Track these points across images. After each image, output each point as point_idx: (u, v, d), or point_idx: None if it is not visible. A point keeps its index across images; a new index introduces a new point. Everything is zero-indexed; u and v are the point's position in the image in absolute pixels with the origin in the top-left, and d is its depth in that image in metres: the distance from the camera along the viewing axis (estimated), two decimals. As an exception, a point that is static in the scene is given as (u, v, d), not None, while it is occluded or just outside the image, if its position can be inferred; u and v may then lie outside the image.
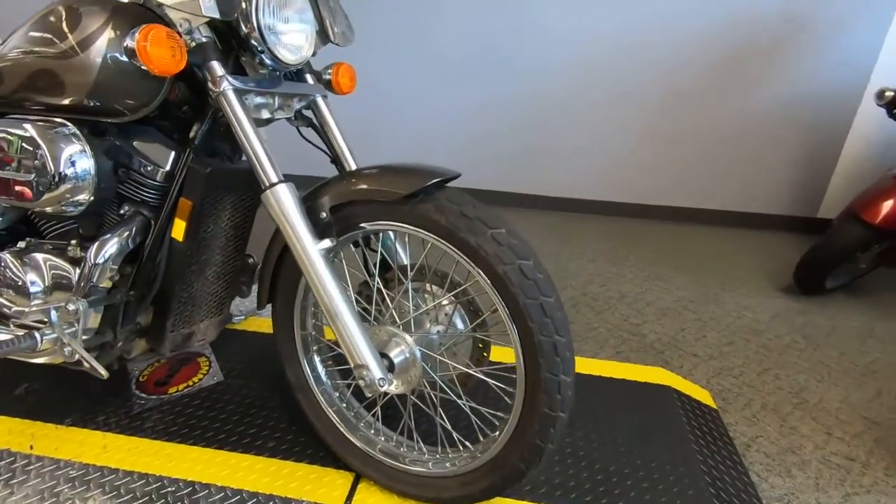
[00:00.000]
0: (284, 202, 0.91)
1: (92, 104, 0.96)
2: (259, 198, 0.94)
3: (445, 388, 1.02)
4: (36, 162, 0.96)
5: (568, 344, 0.85)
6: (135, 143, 1.04)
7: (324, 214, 0.95)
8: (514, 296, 0.83)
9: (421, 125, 3.07)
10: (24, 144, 0.96)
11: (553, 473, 1.18)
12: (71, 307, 0.96)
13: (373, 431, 1.14)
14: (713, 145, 2.90)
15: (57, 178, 0.97)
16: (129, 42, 0.85)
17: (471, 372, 1.01)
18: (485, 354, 1.04)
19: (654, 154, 2.95)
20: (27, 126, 0.95)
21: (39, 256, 1.09)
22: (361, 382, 0.90)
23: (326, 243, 0.92)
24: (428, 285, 1.03)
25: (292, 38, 0.99)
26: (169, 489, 1.12)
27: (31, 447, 1.21)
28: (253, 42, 0.93)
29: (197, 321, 1.20)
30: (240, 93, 0.93)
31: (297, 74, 1.13)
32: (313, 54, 1.09)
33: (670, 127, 2.89)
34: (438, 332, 1.02)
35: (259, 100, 1.02)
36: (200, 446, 1.23)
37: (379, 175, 0.91)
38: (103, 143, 1.02)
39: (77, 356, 0.99)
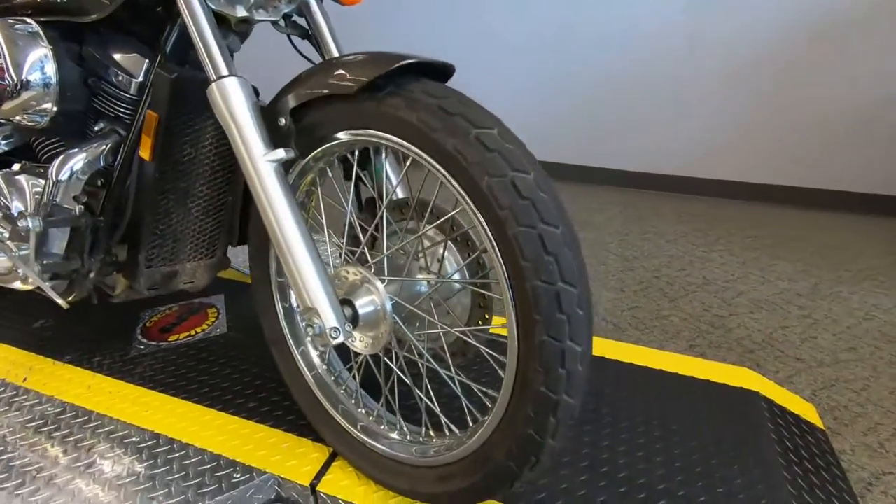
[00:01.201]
0: (232, 98, 0.73)
1: (55, 1, 0.85)
2: None
3: (420, 352, 0.79)
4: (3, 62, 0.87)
5: (579, 297, 0.59)
6: (106, 51, 0.93)
7: (283, 120, 0.76)
8: (501, 221, 0.58)
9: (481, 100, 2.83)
10: (-12, 42, 0.88)
11: (579, 490, 0.91)
12: (21, 224, 0.87)
13: (353, 402, 0.94)
14: (822, 118, 2.34)
15: (18, 84, 0.88)
16: None
17: (456, 334, 0.77)
18: (487, 316, 0.80)
19: (750, 126, 2.45)
20: None
21: (23, 178, 1.02)
22: (309, 330, 0.71)
23: (279, 153, 0.73)
24: (417, 221, 0.81)
25: None
26: (132, 438, 1.01)
27: (25, 380, 1.17)
28: None
29: (181, 260, 1.08)
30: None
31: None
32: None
33: (771, 96, 2.37)
34: (423, 280, 0.79)
35: (231, -10, 0.86)
36: (180, 398, 1.12)
37: (345, 64, 0.71)
38: (71, 48, 0.92)
39: (30, 280, 0.90)
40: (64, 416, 1.07)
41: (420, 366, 0.83)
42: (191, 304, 1.49)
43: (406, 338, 0.80)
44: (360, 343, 0.79)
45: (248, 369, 1.21)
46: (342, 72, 0.69)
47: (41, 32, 0.89)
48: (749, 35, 2.34)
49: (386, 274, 0.78)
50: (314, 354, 0.97)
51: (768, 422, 1.08)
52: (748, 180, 2.55)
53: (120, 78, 0.93)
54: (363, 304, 0.75)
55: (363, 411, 0.93)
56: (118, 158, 0.95)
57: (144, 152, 0.92)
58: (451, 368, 0.79)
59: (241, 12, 0.88)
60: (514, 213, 0.57)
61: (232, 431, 1.02)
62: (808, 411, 1.18)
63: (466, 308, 0.81)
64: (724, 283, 1.78)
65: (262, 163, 0.72)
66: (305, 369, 0.96)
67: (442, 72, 0.73)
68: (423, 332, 0.80)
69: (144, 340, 1.32)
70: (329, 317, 0.70)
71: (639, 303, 1.65)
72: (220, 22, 0.91)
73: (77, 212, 0.96)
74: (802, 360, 1.38)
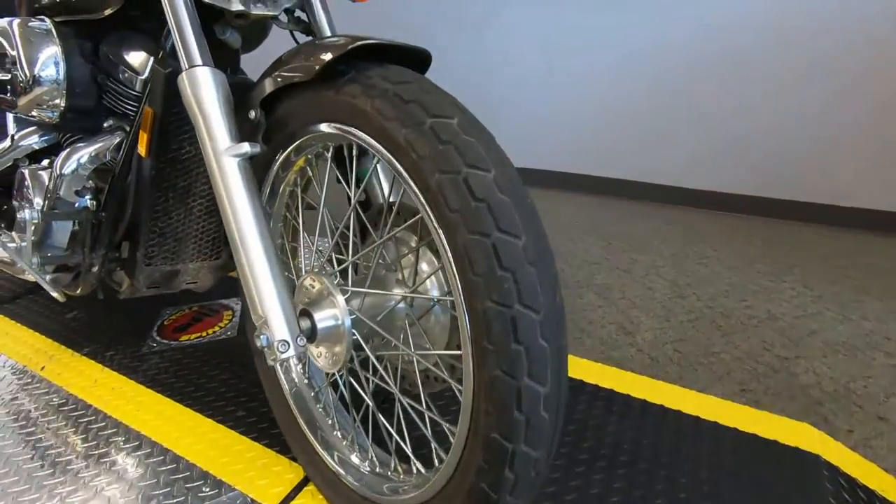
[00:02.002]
0: (201, 88, 0.69)
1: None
2: None
3: (383, 375, 0.70)
4: (12, 61, 0.90)
5: (544, 325, 0.47)
6: (115, 48, 0.94)
7: (253, 113, 0.71)
8: (451, 226, 0.49)
9: (535, 96, 2.70)
10: (3, 41, 0.91)
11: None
12: (20, 216, 0.88)
13: (329, 422, 0.87)
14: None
15: (31, 80, 0.90)
16: None
17: (416, 357, 0.67)
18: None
19: (858, 140, 2.13)
20: (3, 23, 0.90)
21: (43, 173, 1.06)
22: (258, 342, 0.64)
23: (243, 148, 0.68)
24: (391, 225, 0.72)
25: None
26: (119, 439, 0.99)
27: (43, 368, 1.21)
28: None
29: (184, 260, 1.07)
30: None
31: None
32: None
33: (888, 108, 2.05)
34: (388, 294, 0.70)
35: (226, -16, 0.83)
36: (174, 400, 1.10)
37: (310, 49, 0.64)
38: (83, 45, 0.93)
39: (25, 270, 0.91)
40: (65, 409, 1.08)
41: (391, 390, 0.74)
42: (210, 304, 1.50)
43: (372, 358, 0.71)
44: (321, 360, 0.72)
45: (245, 376, 1.17)
46: (304, 57, 0.63)
47: (53, 30, 0.91)
48: (845, 39, 2.06)
49: (350, 285, 0.70)
50: (295, 369, 0.90)
51: (830, 495, 0.87)
52: (841, 203, 2.23)
53: (126, 75, 0.93)
54: (322, 318, 0.68)
55: (338, 434, 0.85)
56: (120, 155, 0.96)
57: (141, 148, 0.91)
58: (422, 397, 0.69)
59: (236, 6, 0.84)
60: (465, 217, 0.48)
61: (212, 441, 0.98)
62: (888, 486, 0.95)
63: (446, 329, 0.71)
64: (792, 319, 1.53)
65: (224, 157, 0.68)
66: (285, 383, 0.89)
67: (419, 58, 0.65)
68: (385, 354, 0.71)
69: (158, 338, 1.33)
70: (278, 328, 0.63)
71: (685, 335, 1.46)
72: (217, 16, 0.89)
73: (79, 206, 0.97)
74: (886, 420, 1.14)
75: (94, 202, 0.98)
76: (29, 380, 1.18)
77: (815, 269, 1.86)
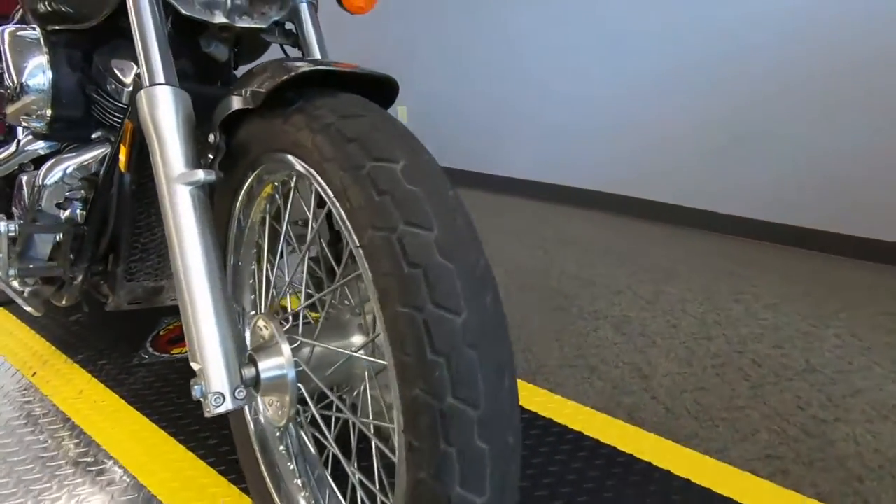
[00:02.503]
0: (159, 108, 0.64)
1: (45, 7, 0.85)
2: None
3: (327, 440, 0.62)
4: (1, 70, 0.89)
5: (484, 422, 0.39)
6: (103, 59, 0.91)
7: (212, 136, 0.65)
8: (383, 293, 0.41)
9: (569, 110, 2.58)
10: (-4, 49, 0.90)
11: None
12: (-1, 225, 0.87)
13: (291, 468, 0.80)
14: None
15: (18, 88, 0.89)
16: None
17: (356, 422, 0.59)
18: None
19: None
20: None
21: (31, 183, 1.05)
22: (192, 392, 0.58)
23: (197, 175, 0.62)
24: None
25: None
26: (88, 459, 0.96)
27: (34, 374, 1.21)
28: None
29: (168, 276, 1.04)
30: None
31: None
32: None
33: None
34: (336, 347, 0.62)
35: (209, -5, 0.79)
36: (151, 419, 1.07)
37: (265, 70, 0.58)
38: (72, 55, 0.91)
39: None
40: (44, 420, 1.07)
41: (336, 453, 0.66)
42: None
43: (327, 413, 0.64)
44: (270, 410, 0.65)
45: (227, 398, 1.13)
46: (261, 79, 0.56)
47: (42, 39, 0.89)
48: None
49: (300, 332, 0.63)
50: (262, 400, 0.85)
51: None
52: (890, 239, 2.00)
53: (113, 86, 0.90)
54: (266, 368, 0.61)
55: (298, 482, 0.78)
56: (104, 167, 0.93)
57: (121, 163, 0.88)
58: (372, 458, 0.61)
59: (219, 18, 0.80)
60: (397, 284, 0.40)
61: (178, 470, 0.94)
62: None
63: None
64: (834, 374, 1.36)
65: (175, 184, 0.62)
66: (251, 422, 0.84)
67: (386, 87, 0.57)
68: (330, 414, 0.64)
69: (150, 349, 1.31)
70: (215, 379, 0.57)
71: (708, 383, 1.32)
72: (202, 29, 0.85)
73: (62, 218, 0.94)
74: (942, 509, 0.97)
75: (77, 214, 0.96)
76: (19, 384, 1.18)
77: (865, 315, 1.67)
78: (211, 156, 0.66)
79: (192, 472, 0.94)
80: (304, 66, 0.52)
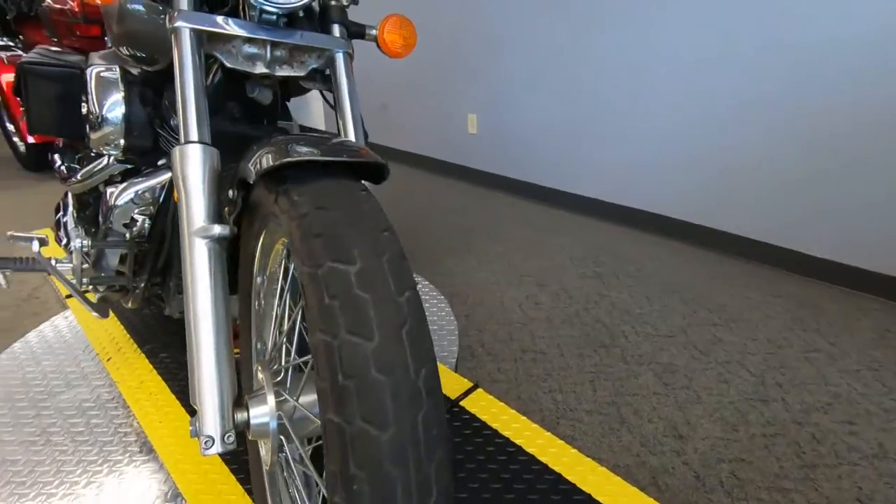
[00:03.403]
0: (189, 165, 0.71)
1: (125, 51, 0.96)
2: None
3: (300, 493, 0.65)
4: (88, 102, 1.02)
5: None
6: (169, 96, 1.01)
7: (231, 192, 0.71)
8: (321, 397, 0.42)
9: (636, 140, 2.43)
10: (85, 84, 1.03)
11: None
12: (74, 243, 1.00)
13: (291, 496, 0.85)
14: None
15: (99, 119, 1.01)
16: None
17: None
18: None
19: None
20: (85, 67, 1.02)
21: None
22: (190, 429, 0.64)
23: (213, 230, 0.68)
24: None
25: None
26: (134, 449, 1.09)
27: (109, 359, 1.38)
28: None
29: None
30: (197, 32, 0.77)
31: (321, 23, 0.91)
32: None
33: None
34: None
35: (250, 49, 0.85)
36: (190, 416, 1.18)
37: (273, 146, 0.61)
38: (142, 92, 1.02)
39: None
40: (109, 405, 1.22)
41: None
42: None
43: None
44: (262, 450, 0.70)
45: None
46: (263, 155, 0.60)
47: (119, 78, 1.01)
48: None
49: (288, 385, 0.67)
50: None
51: None
52: None
53: (174, 122, 1.00)
54: (255, 415, 0.66)
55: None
56: (164, 192, 1.04)
57: (175, 193, 0.98)
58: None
59: (260, 69, 0.86)
60: (331, 393, 0.41)
61: (210, 480, 1.03)
62: None
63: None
64: (915, 465, 1.19)
65: (194, 237, 0.68)
66: (263, 455, 0.90)
67: (375, 170, 0.59)
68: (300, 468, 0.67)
69: (205, 347, 1.44)
70: (208, 423, 0.63)
71: (752, 455, 1.20)
72: (246, 77, 0.92)
73: (128, 235, 1.07)
74: None
75: (141, 232, 1.08)
76: (93, 368, 1.35)
77: (971, 395, 1.43)
78: (229, 210, 0.71)
79: (215, 476, 1.03)
80: (302, 152, 0.55)
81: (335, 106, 0.89)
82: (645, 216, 2.46)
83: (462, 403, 1.24)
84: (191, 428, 0.64)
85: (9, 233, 1.02)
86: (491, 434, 1.15)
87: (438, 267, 2.09)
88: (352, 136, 0.86)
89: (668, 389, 1.42)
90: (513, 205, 2.83)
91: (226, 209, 0.72)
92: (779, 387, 1.44)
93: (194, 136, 0.73)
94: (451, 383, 1.31)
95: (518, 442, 1.13)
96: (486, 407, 1.25)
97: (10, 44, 3.59)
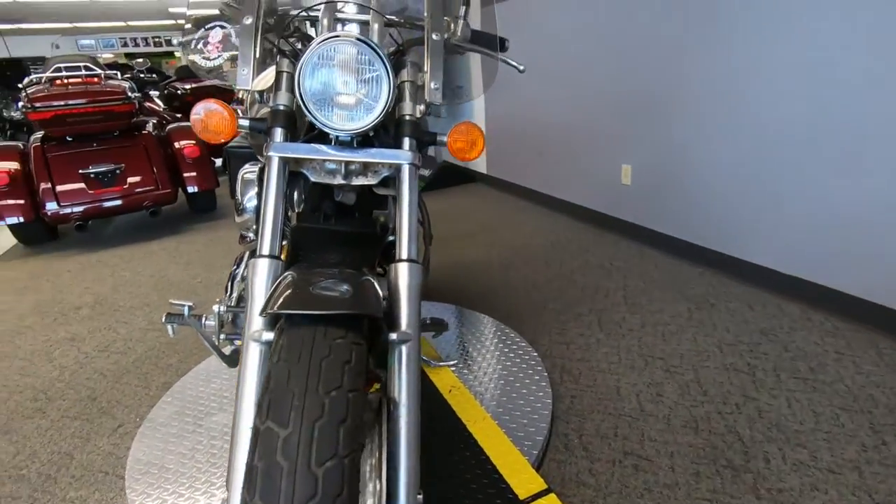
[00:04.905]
0: (258, 274, 0.84)
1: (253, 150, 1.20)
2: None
3: None
4: (235, 194, 1.29)
5: None
6: (290, 188, 1.21)
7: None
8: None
9: (832, 198, 1.94)
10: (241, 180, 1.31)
11: None
12: (214, 308, 1.26)
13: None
14: None
15: (241, 208, 1.28)
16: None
17: None
18: None
19: None
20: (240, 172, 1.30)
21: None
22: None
23: (264, 336, 0.80)
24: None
25: (347, 101, 0.88)
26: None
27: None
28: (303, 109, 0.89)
29: None
30: (285, 159, 0.92)
31: (395, 137, 0.99)
32: (413, 114, 0.95)
33: None
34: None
35: (329, 165, 0.98)
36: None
37: (287, 289, 0.71)
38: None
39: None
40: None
41: None
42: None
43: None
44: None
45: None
46: (276, 296, 0.70)
47: (255, 178, 1.25)
48: None
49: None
50: None
51: None
52: None
53: (290, 213, 1.20)
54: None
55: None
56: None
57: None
58: None
59: (338, 180, 0.99)
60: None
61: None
62: None
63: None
64: None
65: (249, 340, 0.81)
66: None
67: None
68: None
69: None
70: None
71: None
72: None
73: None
74: None
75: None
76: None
77: None
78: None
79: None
80: (294, 302, 0.63)
81: (396, 215, 0.96)
82: (839, 299, 1.96)
83: (530, 510, 1.17)
84: (222, 507, 0.75)
85: (170, 300, 1.33)
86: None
87: (560, 334, 2.00)
88: (405, 250, 0.91)
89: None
90: (665, 266, 2.54)
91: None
92: (875, 493, 1.00)
93: (266, 250, 0.87)
94: (525, 481, 1.24)
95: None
96: (556, 520, 1.15)
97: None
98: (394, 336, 0.83)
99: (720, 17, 2.19)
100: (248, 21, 0.91)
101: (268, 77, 0.97)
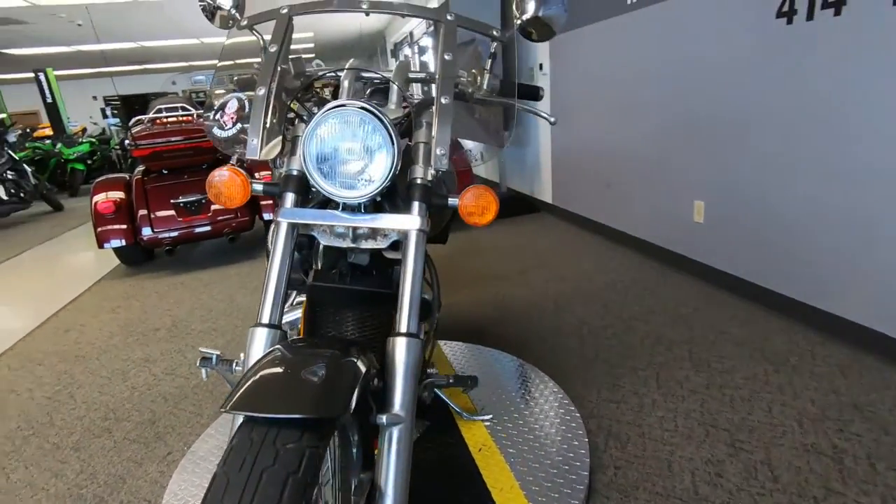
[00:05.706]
0: (255, 344, 0.85)
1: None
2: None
3: None
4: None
5: None
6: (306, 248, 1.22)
7: None
8: None
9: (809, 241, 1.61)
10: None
11: None
12: (241, 354, 1.29)
13: None
14: None
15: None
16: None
17: None
18: None
19: None
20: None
21: None
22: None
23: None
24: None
25: (350, 169, 0.87)
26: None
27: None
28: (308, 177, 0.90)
29: None
30: (293, 225, 0.93)
31: (405, 200, 0.97)
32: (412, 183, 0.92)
33: None
34: None
35: (339, 230, 0.97)
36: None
37: (253, 383, 0.69)
38: (300, 242, 1.26)
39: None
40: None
41: None
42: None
43: None
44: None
45: None
46: (237, 391, 0.68)
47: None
48: None
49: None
50: None
51: None
52: None
53: (304, 267, 1.21)
54: None
55: None
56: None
57: (301, 331, 1.17)
58: None
59: (348, 243, 0.98)
60: None
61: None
62: None
63: None
64: None
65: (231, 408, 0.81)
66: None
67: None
68: None
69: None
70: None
71: None
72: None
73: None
74: None
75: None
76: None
77: None
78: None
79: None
80: (257, 402, 0.62)
81: (400, 283, 0.92)
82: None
83: None
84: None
85: (200, 349, 1.39)
86: None
87: (610, 390, 1.83)
88: (404, 323, 0.87)
89: None
90: (740, 316, 2.28)
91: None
92: None
93: (265, 318, 0.87)
94: (546, 569, 1.13)
95: None
96: None
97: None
98: (383, 418, 0.79)
99: (802, 41, 1.96)
100: (262, 92, 0.93)
101: (275, 144, 0.99)
